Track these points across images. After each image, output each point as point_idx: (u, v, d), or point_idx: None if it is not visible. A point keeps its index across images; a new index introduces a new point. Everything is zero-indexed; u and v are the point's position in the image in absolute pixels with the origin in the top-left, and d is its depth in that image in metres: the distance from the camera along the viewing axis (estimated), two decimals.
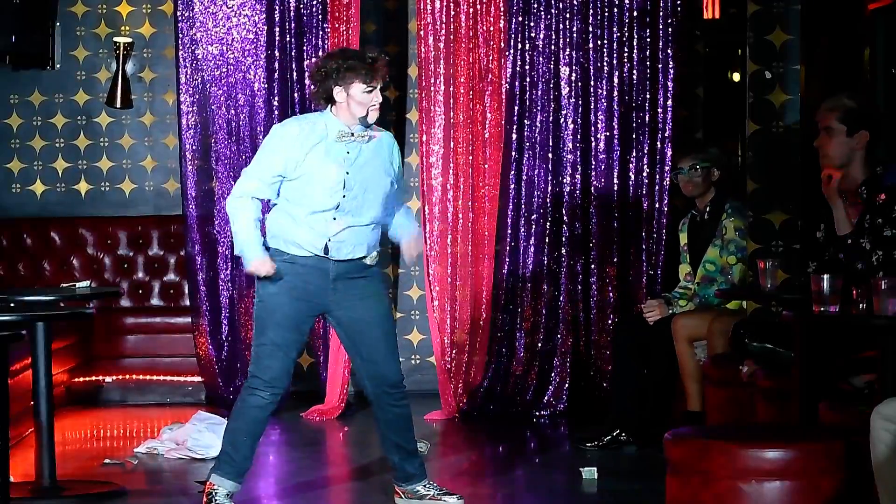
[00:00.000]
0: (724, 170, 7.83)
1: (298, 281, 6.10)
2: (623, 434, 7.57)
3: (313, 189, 6.08)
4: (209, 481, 6.14)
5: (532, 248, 8.92)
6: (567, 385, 8.83)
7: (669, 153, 8.76)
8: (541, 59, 8.89)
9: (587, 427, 8.25)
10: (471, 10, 8.89)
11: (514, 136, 8.91)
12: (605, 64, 8.85)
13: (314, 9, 9.07)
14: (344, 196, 6.08)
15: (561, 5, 8.85)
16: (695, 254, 7.90)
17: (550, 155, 8.90)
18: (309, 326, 6.27)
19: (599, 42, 8.85)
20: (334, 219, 6.09)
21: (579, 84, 8.86)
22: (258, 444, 6.22)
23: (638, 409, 7.60)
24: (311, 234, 6.10)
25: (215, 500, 6.08)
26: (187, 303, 9.57)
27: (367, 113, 6.14)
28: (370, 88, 6.10)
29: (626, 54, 8.82)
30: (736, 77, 9.92)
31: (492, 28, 8.90)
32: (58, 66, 9.86)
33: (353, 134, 6.14)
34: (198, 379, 9.39)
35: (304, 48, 9.09)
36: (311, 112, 8.79)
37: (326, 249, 6.10)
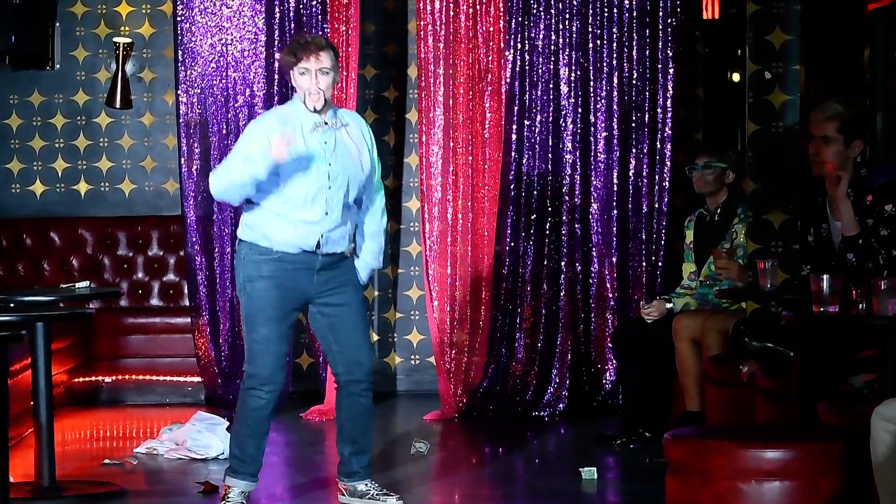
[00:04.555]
0: (740, 174, 7.80)
1: (286, 276, 6.02)
2: (643, 431, 7.60)
3: (299, 184, 5.94)
4: (225, 483, 6.14)
5: (532, 248, 8.91)
6: (567, 385, 8.82)
7: (669, 153, 8.77)
8: (541, 59, 8.88)
9: (587, 426, 8.27)
10: (471, 10, 8.88)
11: (514, 137, 8.90)
12: (605, 64, 8.84)
13: (314, 9, 9.06)
14: (329, 188, 5.97)
15: (561, 5, 8.85)
16: (700, 253, 7.89)
17: (550, 155, 8.90)
18: (294, 319, 6.20)
19: (599, 42, 8.85)
20: (326, 213, 5.99)
21: (579, 84, 8.86)
22: (266, 441, 6.21)
23: (648, 405, 7.67)
24: (304, 230, 5.99)
25: (228, 498, 6.09)
26: (187, 303, 9.57)
27: (305, 99, 5.97)
28: (302, 71, 5.92)
29: (626, 54, 8.82)
30: (736, 77, 9.92)
31: (491, 28, 8.89)
32: (57, 66, 9.85)
33: (326, 123, 6.03)
34: (197, 379, 9.38)
35: None
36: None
37: (318, 245, 6.02)
